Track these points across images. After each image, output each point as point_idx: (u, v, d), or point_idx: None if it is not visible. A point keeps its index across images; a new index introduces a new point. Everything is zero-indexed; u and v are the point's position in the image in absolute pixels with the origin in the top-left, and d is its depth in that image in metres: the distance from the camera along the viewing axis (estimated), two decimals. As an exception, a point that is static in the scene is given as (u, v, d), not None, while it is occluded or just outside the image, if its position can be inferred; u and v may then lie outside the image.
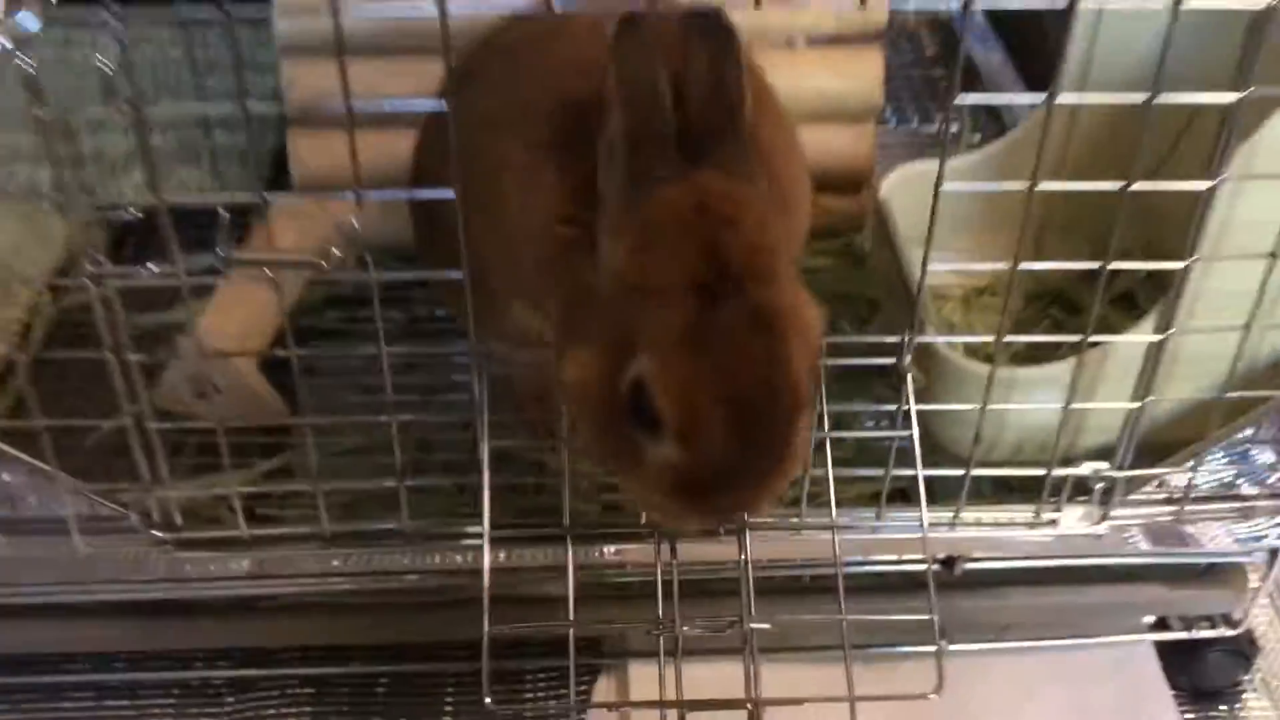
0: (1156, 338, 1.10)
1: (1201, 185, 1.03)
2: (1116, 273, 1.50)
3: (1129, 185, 1.00)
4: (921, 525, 1.14)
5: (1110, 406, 1.16)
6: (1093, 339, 1.11)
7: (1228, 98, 0.95)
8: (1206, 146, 1.05)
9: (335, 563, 1.26)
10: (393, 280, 1.05)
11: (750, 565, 1.10)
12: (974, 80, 1.95)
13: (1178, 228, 1.36)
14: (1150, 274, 1.47)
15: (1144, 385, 1.13)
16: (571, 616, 1.07)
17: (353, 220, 0.99)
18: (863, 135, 1.56)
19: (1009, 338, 1.10)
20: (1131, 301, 1.48)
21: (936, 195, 1.00)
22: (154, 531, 1.18)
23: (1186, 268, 1.07)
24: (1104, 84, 1.47)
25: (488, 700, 1.03)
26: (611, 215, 0.90)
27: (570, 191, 0.96)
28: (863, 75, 1.59)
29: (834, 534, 1.15)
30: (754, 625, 1.05)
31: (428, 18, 0.83)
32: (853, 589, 1.33)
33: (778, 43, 1.61)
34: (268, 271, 1.08)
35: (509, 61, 1.16)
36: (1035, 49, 2.03)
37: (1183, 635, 1.42)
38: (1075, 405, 1.14)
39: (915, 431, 1.13)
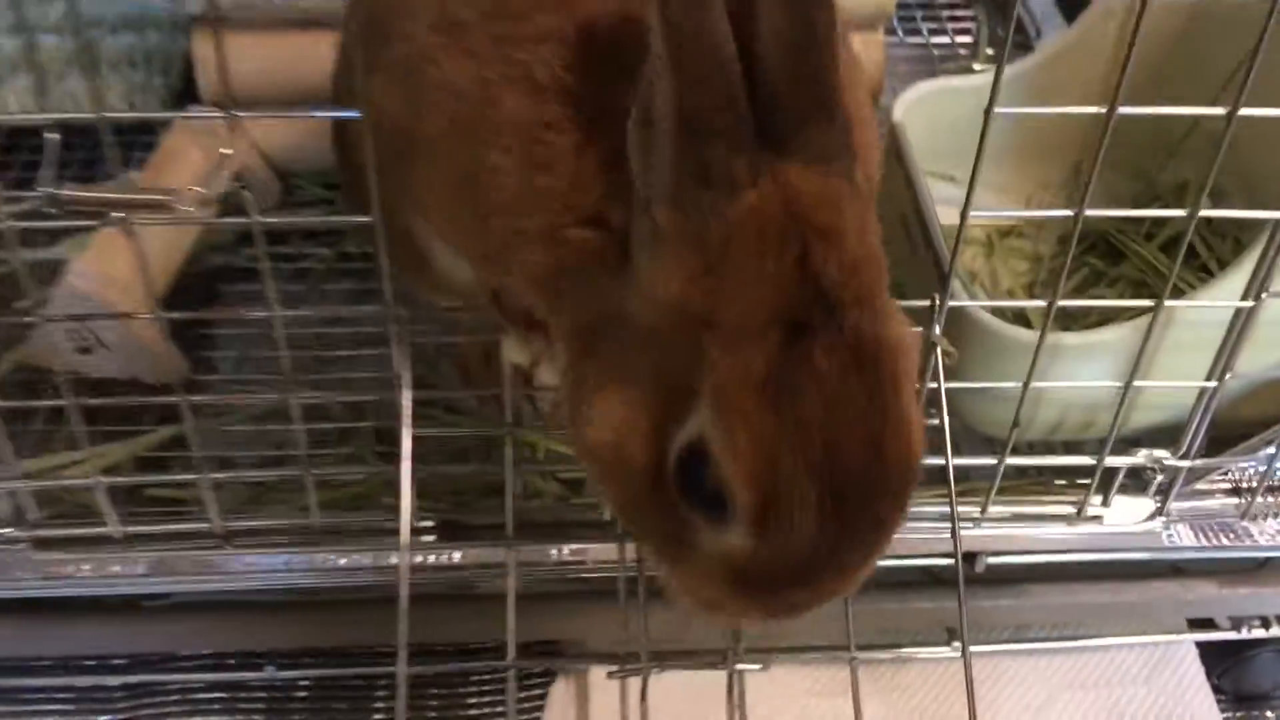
0: (1246, 304, 0.89)
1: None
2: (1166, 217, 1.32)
3: (1235, 110, 0.77)
4: (952, 523, 0.93)
5: (1185, 386, 0.95)
6: (1162, 302, 0.89)
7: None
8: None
9: (238, 560, 1.05)
10: (285, 223, 0.82)
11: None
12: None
13: (1248, 162, 1.16)
14: (1207, 219, 1.27)
15: (1224, 357, 0.92)
16: (511, 652, 0.86)
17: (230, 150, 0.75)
18: (871, 44, 1.33)
19: (1065, 302, 0.88)
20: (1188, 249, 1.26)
21: (987, 121, 0.78)
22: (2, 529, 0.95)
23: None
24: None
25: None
26: (660, 223, 0.65)
27: (598, 177, 0.71)
28: (871, -26, 1.35)
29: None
30: (741, 666, 0.85)
31: None
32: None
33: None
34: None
35: None
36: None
37: (1231, 635, 1.23)
38: (1140, 383, 0.93)
39: (946, 418, 0.91)
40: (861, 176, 0.67)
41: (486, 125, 0.72)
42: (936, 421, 0.92)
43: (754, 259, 0.62)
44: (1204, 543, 1.11)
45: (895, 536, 1.04)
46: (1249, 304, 0.89)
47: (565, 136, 0.70)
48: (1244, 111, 0.77)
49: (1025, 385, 0.93)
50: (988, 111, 0.77)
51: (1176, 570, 1.20)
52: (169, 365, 1.22)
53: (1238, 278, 0.94)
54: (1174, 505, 1.08)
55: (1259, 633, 1.22)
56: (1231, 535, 1.12)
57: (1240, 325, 0.90)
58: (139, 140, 1.49)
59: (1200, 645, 1.28)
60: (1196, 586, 1.20)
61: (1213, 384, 0.93)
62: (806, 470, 0.61)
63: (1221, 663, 1.27)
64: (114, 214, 0.75)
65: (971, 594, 1.19)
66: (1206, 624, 1.25)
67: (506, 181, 0.72)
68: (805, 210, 0.62)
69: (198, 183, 0.75)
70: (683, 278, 0.64)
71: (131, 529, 0.98)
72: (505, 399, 0.93)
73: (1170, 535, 1.10)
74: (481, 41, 0.74)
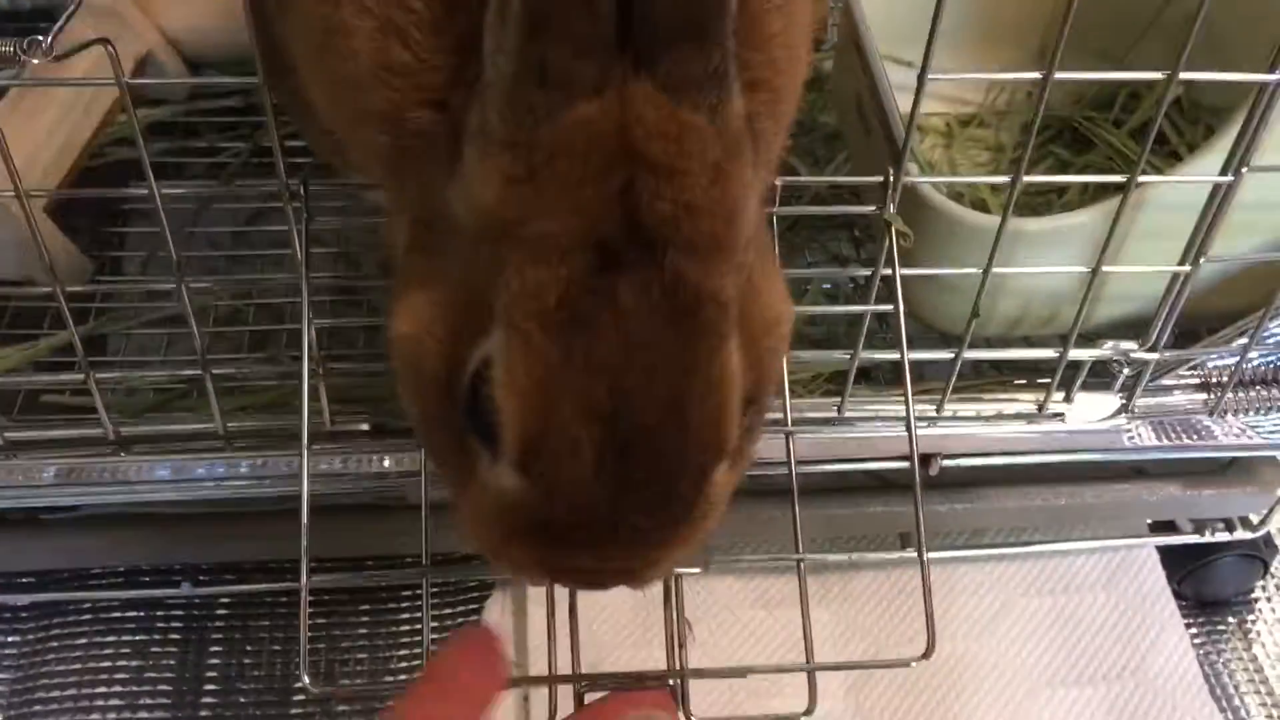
0: (1225, 179, 0.82)
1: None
2: (1135, 103, 1.25)
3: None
4: (908, 421, 0.87)
5: (1157, 271, 0.89)
6: (1132, 181, 0.83)
7: None
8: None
9: (145, 469, 0.97)
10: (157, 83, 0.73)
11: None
12: None
13: (1221, 41, 1.09)
14: (1178, 102, 1.20)
15: (1199, 239, 0.86)
16: (425, 557, 0.79)
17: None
18: (826, -82, 1.24)
19: (1031, 178, 0.81)
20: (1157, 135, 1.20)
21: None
22: None
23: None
24: None
25: (305, 680, 0.75)
26: (491, 118, 0.57)
27: (451, 57, 0.63)
28: None
29: (788, 440, 0.89)
30: (677, 570, 0.78)
31: None
32: (803, 491, 1.10)
33: None
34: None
35: None
36: None
37: (1193, 539, 1.19)
38: (1110, 268, 0.86)
39: (900, 305, 0.85)
40: (759, 118, 0.61)
41: None
42: (890, 307, 0.85)
43: (572, 175, 0.55)
44: (1165, 442, 1.06)
45: (839, 435, 1.00)
46: (1228, 179, 0.82)
47: (429, 6, 0.62)
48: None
49: (985, 272, 0.86)
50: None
51: (1138, 472, 1.16)
52: (67, 265, 1.13)
53: (1212, 157, 0.87)
54: (1140, 402, 1.03)
55: (1222, 536, 1.18)
56: (1194, 435, 1.06)
57: (1218, 202, 0.84)
58: (39, 27, 1.39)
59: (1161, 550, 1.24)
60: (1159, 488, 1.15)
61: (1186, 268, 0.87)
62: (585, 416, 0.55)
63: (1183, 567, 1.23)
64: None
65: (925, 498, 1.12)
66: (1168, 527, 1.21)
67: (360, 48, 0.63)
68: (640, 138, 0.54)
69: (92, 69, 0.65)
70: (499, 180, 0.56)
71: (16, 435, 0.90)
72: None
73: (1131, 435, 1.05)
74: None
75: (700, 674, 0.78)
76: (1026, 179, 0.81)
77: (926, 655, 0.77)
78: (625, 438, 0.55)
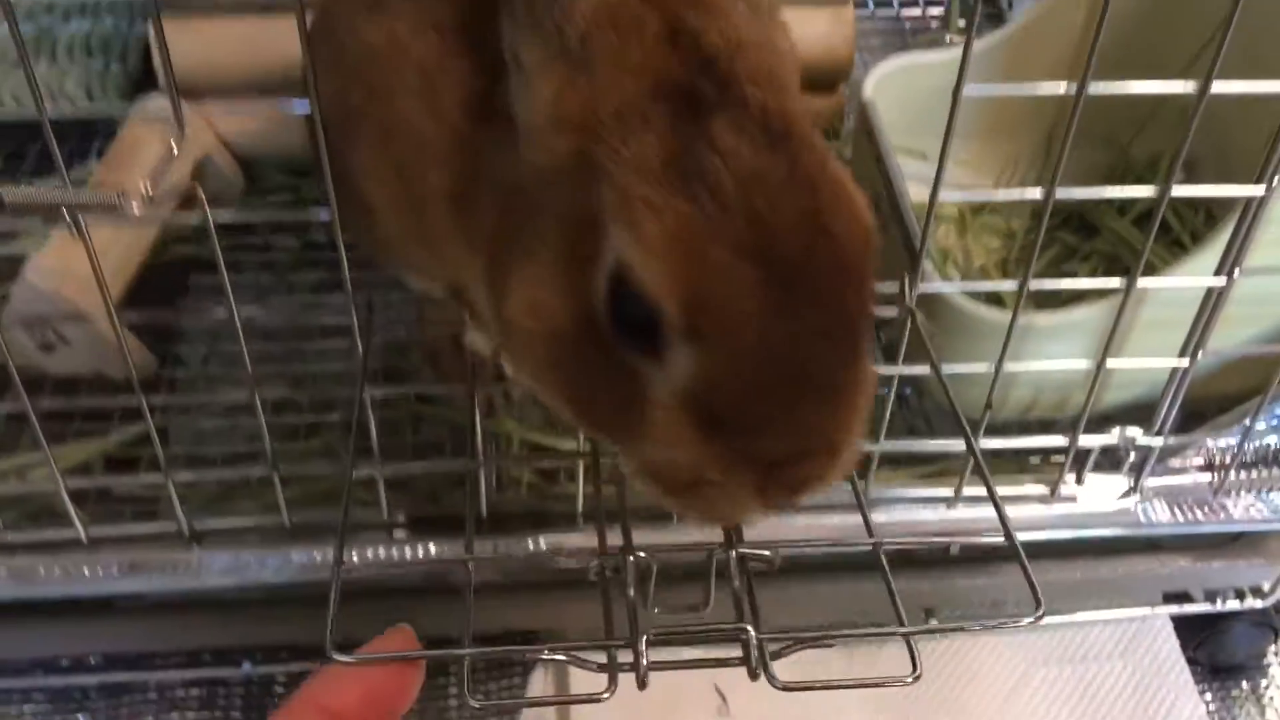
0: (1217, 281, 0.88)
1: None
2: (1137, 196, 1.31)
3: (1207, 88, 0.76)
4: (993, 502, 0.89)
5: (1157, 366, 0.94)
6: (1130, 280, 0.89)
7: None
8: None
9: (210, 559, 1.03)
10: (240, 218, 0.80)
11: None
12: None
13: (1221, 130, 1.15)
14: (1180, 190, 1.26)
15: (1196, 336, 0.92)
16: (466, 641, 0.83)
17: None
18: (841, 19, 1.31)
19: (1039, 284, 0.87)
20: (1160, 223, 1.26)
21: (956, 103, 0.76)
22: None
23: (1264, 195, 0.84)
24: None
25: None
26: (524, 56, 0.61)
27: (488, 74, 0.68)
28: (839, -54, 1.33)
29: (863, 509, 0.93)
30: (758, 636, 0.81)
31: None
32: (822, 568, 1.15)
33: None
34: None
35: None
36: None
37: (1206, 608, 1.23)
38: (1112, 364, 0.92)
39: (951, 395, 0.88)
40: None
41: (398, 75, 0.71)
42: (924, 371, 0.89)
43: (615, 45, 0.57)
44: (1179, 519, 1.10)
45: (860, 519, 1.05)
46: (1221, 282, 0.88)
47: (460, 53, 0.69)
48: (1216, 88, 0.76)
49: (998, 369, 0.92)
50: (956, 93, 0.76)
51: (1151, 545, 1.20)
52: (134, 361, 1.20)
53: (1209, 254, 0.93)
54: (1148, 482, 1.08)
55: (1234, 605, 1.22)
56: (1207, 510, 1.11)
57: (1212, 304, 0.90)
58: (102, 128, 1.47)
59: (1175, 619, 1.29)
60: (1171, 561, 1.19)
61: (1184, 363, 0.93)
62: (734, 253, 0.53)
63: (1197, 635, 1.27)
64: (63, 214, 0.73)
65: (945, 573, 1.19)
66: (1181, 597, 1.25)
67: (414, 122, 0.70)
68: None
69: (156, 175, 0.72)
70: (554, 92, 0.59)
71: (98, 532, 0.96)
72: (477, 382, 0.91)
73: (1146, 511, 1.10)
74: (398, 4, 0.74)
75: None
76: (1031, 284, 0.87)
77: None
78: (781, 267, 0.53)
